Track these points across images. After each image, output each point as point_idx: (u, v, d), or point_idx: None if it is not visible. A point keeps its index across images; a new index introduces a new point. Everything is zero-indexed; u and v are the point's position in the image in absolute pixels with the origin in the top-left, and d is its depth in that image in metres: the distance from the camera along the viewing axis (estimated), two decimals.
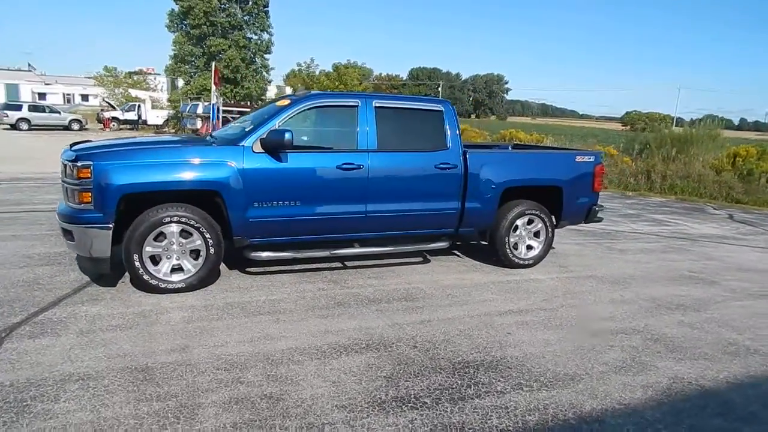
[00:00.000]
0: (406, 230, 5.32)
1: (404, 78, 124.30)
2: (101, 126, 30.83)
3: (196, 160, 4.42)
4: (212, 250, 4.49)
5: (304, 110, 4.85)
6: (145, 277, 4.31)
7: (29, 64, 65.17)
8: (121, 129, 30.29)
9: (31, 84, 59.00)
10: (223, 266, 5.05)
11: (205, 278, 4.54)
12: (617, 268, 6.12)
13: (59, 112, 29.35)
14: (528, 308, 4.58)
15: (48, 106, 30.41)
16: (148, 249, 4.32)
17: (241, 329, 3.78)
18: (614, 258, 6.64)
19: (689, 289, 5.45)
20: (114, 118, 30.93)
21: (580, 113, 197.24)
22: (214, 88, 15.01)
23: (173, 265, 4.46)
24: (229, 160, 4.46)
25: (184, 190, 4.36)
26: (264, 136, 4.53)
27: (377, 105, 5.07)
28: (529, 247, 5.91)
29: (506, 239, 5.68)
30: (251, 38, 32.57)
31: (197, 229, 4.41)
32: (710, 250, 7.53)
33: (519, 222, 5.75)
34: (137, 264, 4.28)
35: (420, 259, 5.96)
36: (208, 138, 5.41)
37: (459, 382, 3.19)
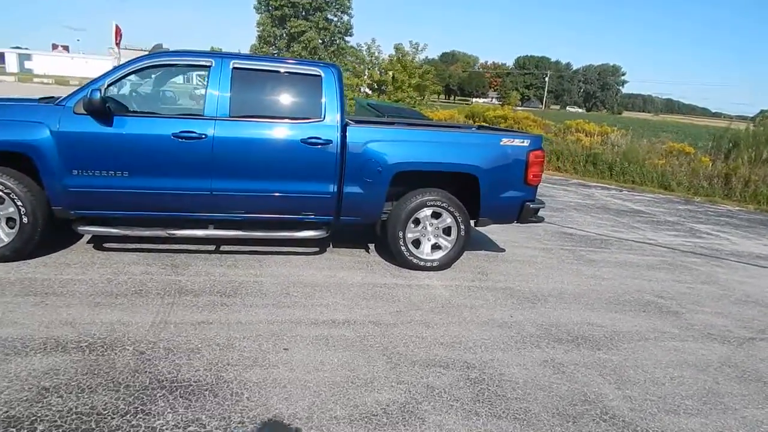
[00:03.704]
0: (268, 214, 4.55)
1: (510, 66, 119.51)
2: None
3: (11, 120, 4.03)
4: (25, 219, 4.09)
5: (143, 68, 4.27)
6: None
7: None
8: None
9: None
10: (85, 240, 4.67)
11: (21, 249, 4.17)
12: (553, 282, 4.86)
13: None
14: (354, 320, 3.66)
15: None
16: None
17: None
18: (568, 270, 5.33)
19: (623, 319, 4.12)
20: None
21: (713, 111, 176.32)
22: (115, 48, 14.64)
23: None
24: (43, 121, 4.01)
25: None
26: (87, 96, 4.02)
27: (236, 66, 4.35)
28: (436, 247, 4.86)
29: (400, 234, 4.70)
30: (331, 20, 32.66)
31: (7, 194, 4.04)
32: (721, 272, 5.84)
33: (421, 214, 4.73)
34: None
35: (316, 249, 5.16)
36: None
37: (117, 405, 2.46)
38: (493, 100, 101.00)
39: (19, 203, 4.06)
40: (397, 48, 21.65)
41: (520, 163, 4.76)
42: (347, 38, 34.03)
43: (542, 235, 6.75)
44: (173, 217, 4.46)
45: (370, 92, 22.61)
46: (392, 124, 5.23)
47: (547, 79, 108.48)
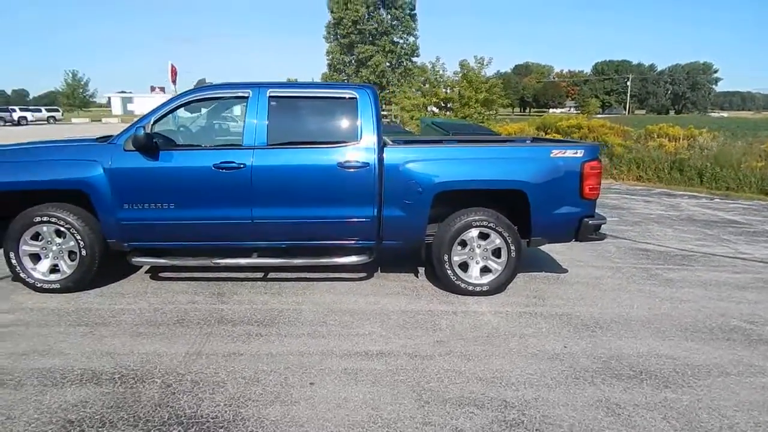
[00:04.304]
0: (309, 240, 4.51)
1: (587, 73, 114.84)
2: None
3: (69, 159, 4.32)
4: (84, 252, 4.33)
5: (186, 103, 4.43)
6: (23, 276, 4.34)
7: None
8: None
9: None
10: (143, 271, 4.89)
11: (81, 280, 4.40)
12: (619, 307, 4.37)
13: None
14: (389, 352, 3.46)
15: None
16: (25, 248, 4.34)
17: (26, 339, 3.52)
18: (639, 291, 4.79)
19: (700, 349, 3.59)
20: None
21: None
22: (172, 86, 15.11)
23: (51, 265, 4.41)
24: (97, 159, 4.26)
25: (49, 190, 4.28)
26: (134, 134, 4.22)
27: (272, 94, 4.39)
28: (486, 270, 4.56)
29: (445, 257, 4.46)
30: (398, 42, 33.11)
31: (68, 229, 4.30)
32: None
33: (467, 236, 4.47)
34: (14, 262, 4.33)
35: (363, 275, 5.04)
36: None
37: None
38: (571, 109, 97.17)
39: (78, 237, 4.30)
40: (462, 64, 21.39)
41: (574, 176, 4.38)
42: (414, 59, 34.34)
43: (613, 253, 6.18)
44: (218, 246, 4.53)
45: (437, 111, 22.47)
46: (435, 142, 5.03)
47: (629, 83, 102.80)
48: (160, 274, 4.93)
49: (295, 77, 42.14)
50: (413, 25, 33.09)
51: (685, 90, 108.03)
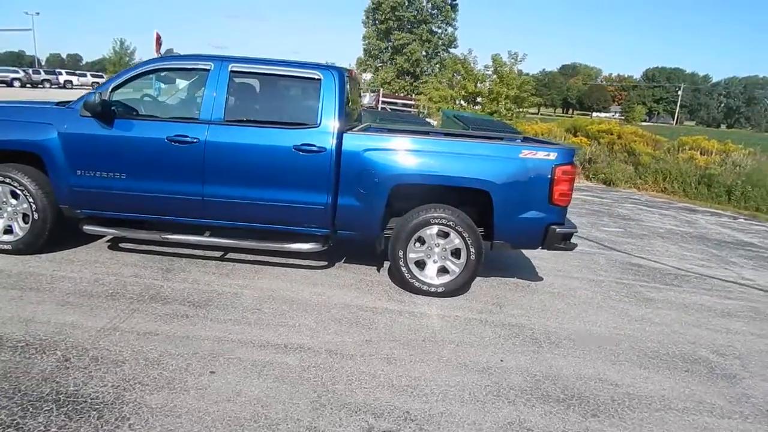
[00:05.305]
0: (261, 223, 4.35)
1: (637, 79, 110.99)
2: None
3: (25, 121, 4.28)
4: (36, 216, 4.30)
5: (146, 72, 4.31)
6: None
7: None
8: None
9: None
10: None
11: (32, 243, 4.37)
12: (582, 323, 4.07)
13: None
14: (310, 347, 3.28)
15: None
16: None
17: None
18: (611, 308, 4.45)
19: (651, 378, 3.28)
20: None
21: None
22: (155, 56, 14.68)
23: (5, 226, 4.39)
24: (52, 122, 4.20)
25: (4, 150, 4.24)
26: (86, 99, 4.13)
27: (234, 69, 4.22)
28: (444, 270, 4.31)
29: (400, 253, 4.23)
30: (436, 32, 32.55)
31: (21, 191, 4.27)
32: None
33: (426, 233, 4.23)
34: None
35: (324, 263, 4.86)
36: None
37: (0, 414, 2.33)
38: (616, 114, 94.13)
39: (31, 200, 4.26)
40: (495, 59, 20.81)
41: (543, 180, 4.07)
42: (451, 50, 33.72)
43: (601, 265, 5.83)
44: (170, 221, 4.42)
45: (465, 104, 21.98)
46: (401, 132, 4.76)
47: (680, 92, 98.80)
48: (120, 245, 4.87)
49: (333, 60, 41.98)
50: (453, 16, 32.43)
51: (740, 104, 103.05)
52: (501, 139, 5.06)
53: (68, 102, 4.49)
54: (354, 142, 4.13)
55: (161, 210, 4.31)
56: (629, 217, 9.11)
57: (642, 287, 5.14)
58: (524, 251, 5.71)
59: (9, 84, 39.36)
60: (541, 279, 5.09)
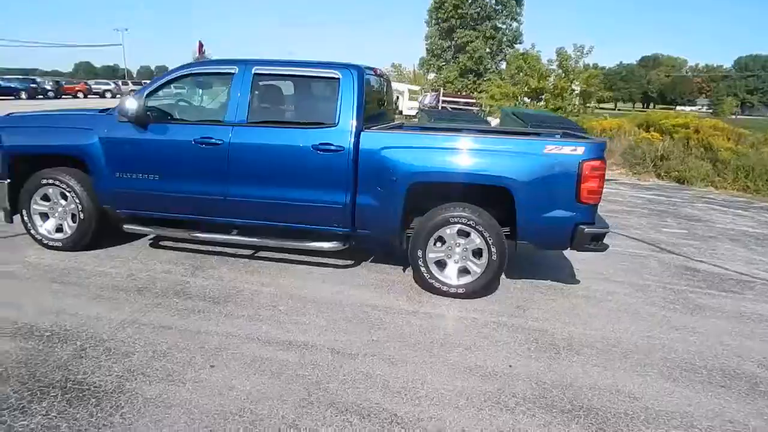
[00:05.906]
0: (282, 222, 4.42)
1: (728, 68, 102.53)
2: None
3: (70, 127, 4.62)
4: (82, 216, 4.63)
5: (177, 79, 4.52)
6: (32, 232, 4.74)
7: None
8: None
9: None
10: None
11: (79, 241, 4.72)
12: (611, 330, 3.78)
13: None
14: (315, 345, 3.29)
15: None
16: (35, 207, 4.73)
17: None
18: (650, 315, 4.11)
19: (679, 392, 2.98)
20: None
21: None
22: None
23: (57, 224, 4.77)
24: (93, 128, 4.50)
25: (54, 155, 4.60)
26: (120, 105, 4.40)
27: (257, 71, 4.33)
28: (464, 271, 4.18)
29: (419, 253, 4.15)
30: (500, 28, 31.76)
31: (69, 193, 4.62)
32: None
33: (446, 232, 4.12)
34: (26, 219, 4.74)
35: (350, 262, 4.88)
36: None
37: (9, 398, 2.53)
38: (703, 108, 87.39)
39: (77, 201, 4.60)
40: (559, 53, 19.99)
41: (569, 177, 3.83)
42: (516, 46, 32.78)
43: (652, 268, 5.40)
44: (200, 220, 4.61)
45: (528, 101, 21.30)
46: (419, 129, 4.64)
47: None
48: (160, 243, 5.15)
49: (399, 62, 42.15)
50: (518, 10, 31.49)
51: None
52: (526, 134, 4.82)
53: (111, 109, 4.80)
54: (372, 140, 4.10)
55: (189, 209, 4.50)
56: (697, 218, 8.40)
57: (693, 293, 4.71)
58: (564, 253, 5.41)
59: (101, 95, 42.88)
60: (577, 282, 4.80)
